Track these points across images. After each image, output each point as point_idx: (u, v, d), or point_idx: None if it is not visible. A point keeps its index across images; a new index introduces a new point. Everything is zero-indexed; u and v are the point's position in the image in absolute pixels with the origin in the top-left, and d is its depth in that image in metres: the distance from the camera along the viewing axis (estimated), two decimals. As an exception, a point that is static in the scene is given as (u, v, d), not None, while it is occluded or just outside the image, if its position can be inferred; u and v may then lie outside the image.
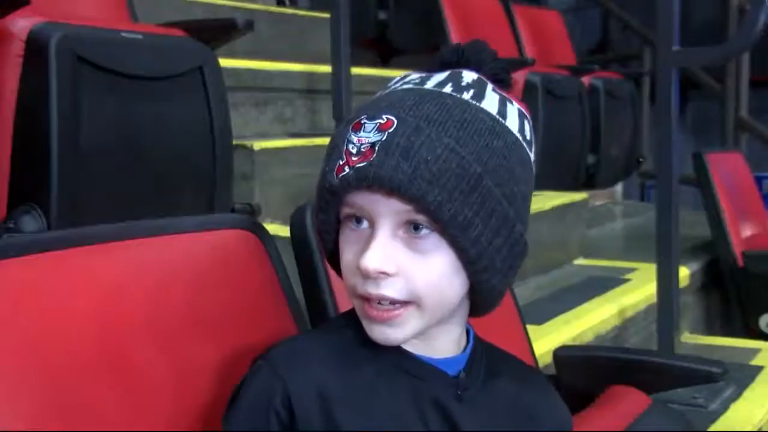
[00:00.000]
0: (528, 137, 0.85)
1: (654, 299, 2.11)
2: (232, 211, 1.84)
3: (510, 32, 3.71)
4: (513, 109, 0.84)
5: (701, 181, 3.05)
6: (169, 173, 1.72)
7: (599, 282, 2.45)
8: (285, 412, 0.79)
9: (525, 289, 2.33)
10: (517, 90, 3.15)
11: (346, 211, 0.81)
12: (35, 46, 1.53)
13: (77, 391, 0.84)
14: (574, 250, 2.73)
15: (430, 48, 3.89)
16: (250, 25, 1.96)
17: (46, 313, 0.85)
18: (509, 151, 0.81)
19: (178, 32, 1.83)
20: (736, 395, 1.97)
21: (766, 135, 4.63)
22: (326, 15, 2.66)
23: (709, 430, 1.79)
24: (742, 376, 2.10)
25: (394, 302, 0.80)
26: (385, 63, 3.85)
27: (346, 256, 0.82)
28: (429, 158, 0.77)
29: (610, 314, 2.16)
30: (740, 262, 2.92)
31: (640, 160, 4.00)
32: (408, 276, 0.79)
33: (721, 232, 2.95)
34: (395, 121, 0.79)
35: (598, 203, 3.83)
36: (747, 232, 3.11)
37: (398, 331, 0.81)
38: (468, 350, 0.88)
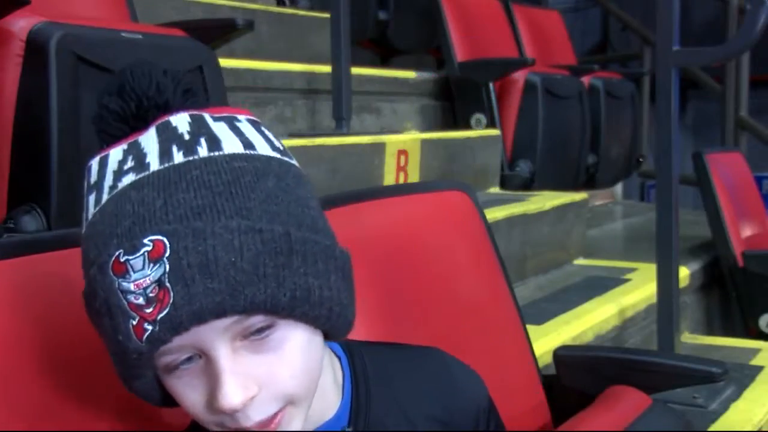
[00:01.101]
0: (277, 144, 0.71)
1: (654, 299, 2.11)
2: (232, 211, 1.83)
3: (510, 32, 3.71)
4: (246, 127, 0.70)
5: (701, 181, 3.05)
6: (169, 173, 1.72)
7: (599, 282, 2.45)
8: None
9: (525, 289, 2.33)
10: (517, 90, 3.15)
11: (166, 359, 0.66)
12: (35, 46, 1.52)
13: (77, 390, 0.84)
14: (574, 250, 2.73)
15: (430, 48, 3.90)
16: (250, 25, 1.96)
17: (45, 313, 0.85)
18: (283, 183, 0.68)
19: (178, 32, 1.83)
20: (736, 395, 1.97)
21: (766, 135, 4.62)
22: (326, 15, 2.66)
23: (709, 430, 1.79)
24: (742, 376, 2.10)
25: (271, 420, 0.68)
26: (385, 63, 3.85)
27: (191, 398, 0.67)
28: (233, 258, 0.62)
29: (610, 314, 2.16)
30: (740, 262, 2.92)
31: (640, 160, 4.00)
32: (271, 384, 0.67)
33: (721, 232, 2.95)
34: (164, 239, 0.62)
35: (598, 203, 3.83)
36: (747, 232, 3.11)
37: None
38: (347, 393, 0.79)
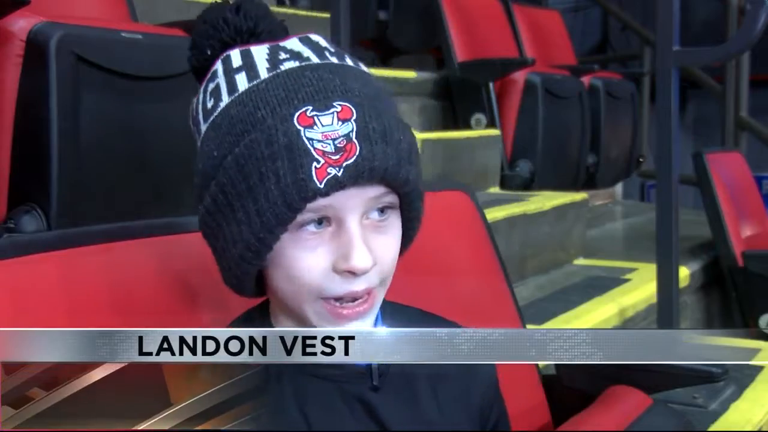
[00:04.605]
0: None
1: (654, 299, 2.11)
2: (232, 211, 1.84)
3: (510, 32, 3.71)
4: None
5: (701, 181, 3.05)
6: (169, 173, 1.72)
7: (599, 282, 2.45)
8: None
9: (525, 289, 2.33)
10: (517, 90, 3.15)
11: (305, 217, 0.74)
12: (35, 46, 1.52)
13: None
14: (574, 250, 2.73)
15: (430, 48, 3.90)
16: (250, 25, 1.96)
17: (45, 313, 0.85)
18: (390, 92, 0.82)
19: (178, 32, 1.83)
20: (736, 395, 1.97)
21: (766, 135, 4.62)
22: (326, 15, 2.66)
23: (709, 430, 1.78)
24: (742, 376, 2.10)
25: (367, 292, 0.77)
26: (385, 63, 3.85)
27: (308, 262, 0.75)
28: (400, 137, 0.75)
29: (610, 314, 2.16)
30: (740, 262, 2.92)
31: (640, 160, 4.00)
32: (380, 262, 0.77)
33: (721, 232, 2.95)
34: (351, 106, 0.73)
35: (598, 203, 3.83)
36: (747, 232, 3.11)
37: (368, 321, 0.79)
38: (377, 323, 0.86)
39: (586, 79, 3.43)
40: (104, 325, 0.89)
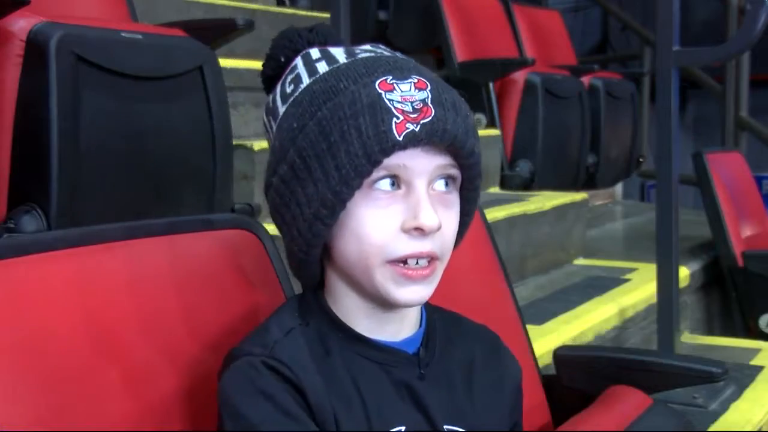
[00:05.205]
0: None
1: (654, 299, 2.11)
2: (232, 211, 1.84)
3: (510, 32, 3.71)
4: None
5: (701, 181, 3.05)
6: (169, 173, 1.72)
7: (599, 282, 2.45)
8: (306, 407, 0.79)
9: (525, 289, 2.33)
10: (517, 90, 3.15)
11: (380, 174, 0.80)
12: (35, 46, 1.52)
13: (77, 390, 0.84)
14: (574, 250, 2.73)
15: (430, 48, 3.90)
16: (250, 25, 1.96)
17: (46, 313, 0.85)
18: None
19: (178, 32, 1.83)
20: (736, 395, 1.97)
21: (766, 135, 4.62)
22: (326, 15, 2.66)
23: (709, 430, 1.79)
24: (742, 376, 2.10)
25: (430, 258, 0.82)
26: (385, 63, 3.84)
27: (379, 220, 0.81)
28: (467, 113, 0.83)
29: (610, 314, 2.16)
30: (740, 262, 2.92)
31: (640, 160, 4.00)
32: (442, 231, 0.82)
33: (721, 232, 2.95)
34: (426, 80, 0.81)
35: (598, 203, 3.83)
36: (747, 232, 3.11)
37: (429, 288, 0.84)
38: (423, 323, 0.90)
39: (586, 79, 3.42)
40: (104, 324, 0.89)
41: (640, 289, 2.35)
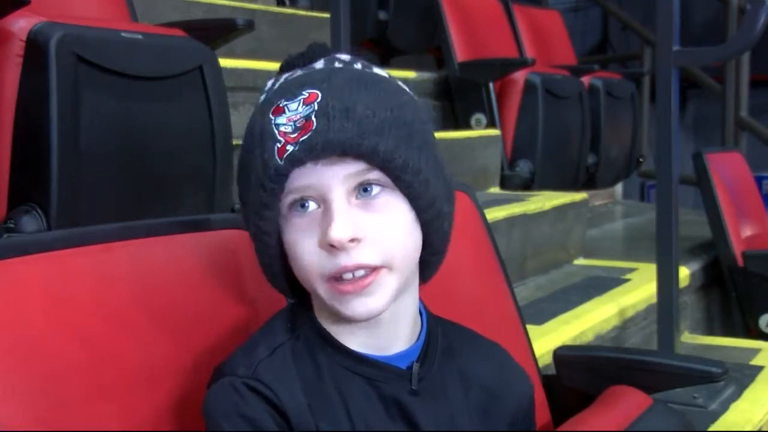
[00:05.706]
0: (413, 96, 0.89)
1: (654, 299, 2.10)
2: (232, 211, 1.84)
3: (510, 32, 3.71)
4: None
5: (701, 181, 3.04)
6: (169, 173, 1.72)
7: (599, 282, 2.45)
8: (288, 429, 0.78)
9: (525, 289, 2.33)
10: (517, 90, 3.15)
11: (289, 199, 0.80)
12: (35, 46, 1.52)
13: (76, 390, 0.84)
14: (574, 250, 2.73)
15: (430, 48, 3.90)
16: (250, 25, 1.96)
17: (45, 313, 0.85)
18: (415, 104, 0.85)
19: (178, 32, 1.83)
20: (736, 395, 1.97)
21: (766, 135, 4.62)
22: (326, 15, 2.66)
23: (709, 430, 1.79)
24: (742, 376, 2.10)
25: (366, 269, 0.79)
26: (385, 63, 3.85)
27: (303, 243, 0.80)
28: (368, 113, 0.78)
29: (610, 314, 2.16)
30: (740, 262, 2.92)
31: (640, 160, 4.00)
32: (375, 239, 0.79)
33: (721, 232, 2.95)
34: (318, 92, 0.79)
35: (598, 203, 3.83)
36: (747, 232, 3.11)
37: (378, 299, 0.80)
38: (422, 337, 0.88)
39: (586, 79, 3.42)
40: (104, 325, 0.89)
41: (640, 289, 2.35)
